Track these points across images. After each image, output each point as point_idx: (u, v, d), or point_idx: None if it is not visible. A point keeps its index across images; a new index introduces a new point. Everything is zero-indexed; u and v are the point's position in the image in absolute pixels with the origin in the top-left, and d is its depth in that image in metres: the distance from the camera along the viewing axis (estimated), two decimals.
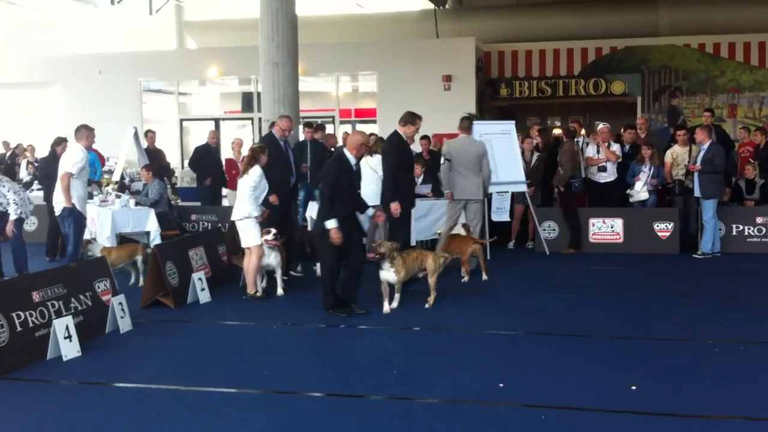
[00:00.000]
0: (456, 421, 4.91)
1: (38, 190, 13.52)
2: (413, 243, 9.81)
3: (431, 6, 21.51)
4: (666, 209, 11.90)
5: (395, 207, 8.80)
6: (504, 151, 11.42)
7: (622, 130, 13.16)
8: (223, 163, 14.41)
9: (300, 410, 5.18)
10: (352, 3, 24.98)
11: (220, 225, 12.25)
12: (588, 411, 5.04)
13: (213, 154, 14.16)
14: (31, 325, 6.30)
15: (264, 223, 8.67)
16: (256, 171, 8.50)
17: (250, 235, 8.53)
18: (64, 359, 6.31)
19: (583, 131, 13.42)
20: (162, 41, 24.25)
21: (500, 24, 21.46)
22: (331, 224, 7.47)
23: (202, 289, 8.59)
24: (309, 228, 10.88)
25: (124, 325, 7.29)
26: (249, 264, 8.59)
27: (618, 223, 11.68)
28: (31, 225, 12.67)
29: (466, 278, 9.49)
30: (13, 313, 6.16)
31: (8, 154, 18.07)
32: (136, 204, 11.05)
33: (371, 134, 11.15)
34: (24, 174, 16.59)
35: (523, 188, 11.68)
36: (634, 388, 5.43)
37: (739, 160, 13.11)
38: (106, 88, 20.20)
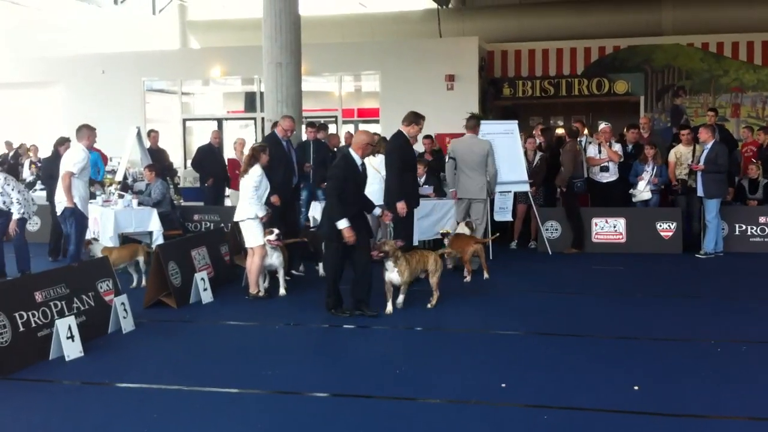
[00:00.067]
0: (458, 421, 4.91)
1: (41, 190, 13.55)
2: (416, 243, 9.82)
3: (434, 5, 21.49)
4: (669, 209, 11.89)
5: (401, 206, 8.80)
6: (507, 151, 11.41)
7: (625, 129, 13.15)
8: (226, 162, 14.43)
9: (302, 410, 5.19)
10: (355, 3, 24.96)
11: (222, 225, 12.25)
12: (589, 411, 5.04)
13: (216, 154, 14.18)
14: (33, 325, 6.32)
15: (267, 224, 8.68)
16: (256, 170, 8.50)
17: (253, 235, 8.53)
18: (67, 359, 6.32)
19: (585, 131, 13.41)
20: (165, 41, 24.27)
21: (503, 23, 21.44)
22: (342, 224, 7.46)
23: (205, 289, 8.60)
24: (311, 228, 10.91)
25: (127, 325, 7.30)
26: (252, 264, 8.60)
27: (621, 223, 11.67)
28: (33, 225, 12.70)
29: (468, 278, 9.50)
30: (16, 314, 6.17)
31: (11, 154, 18.10)
32: (139, 204, 11.07)
33: (374, 134, 11.15)
34: (27, 174, 16.62)
35: (526, 188, 11.69)
36: (636, 388, 5.43)
37: (742, 160, 13.10)
38: (109, 88, 20.22)
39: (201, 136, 19.41)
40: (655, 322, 7.46)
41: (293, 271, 9.89)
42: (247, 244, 8.62)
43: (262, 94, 16.81)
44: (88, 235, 9.68)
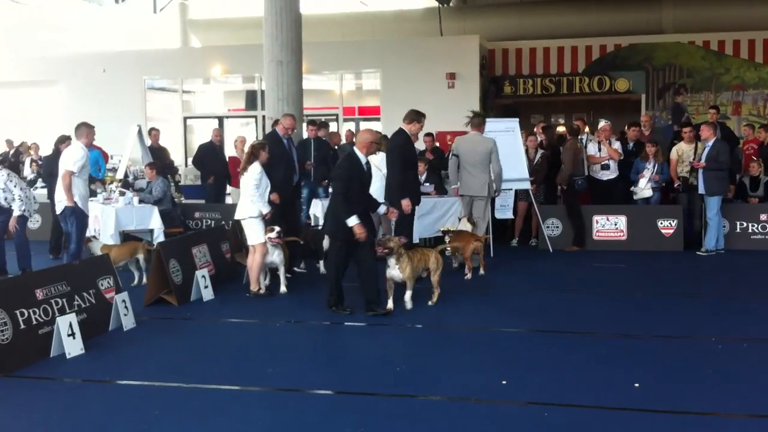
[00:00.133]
0: (459, 418, 4.91)
1: (42, 188, 13.55)
2: (416, 241, 9.82)
3: (435, 4, 21.48)
4: (670, 206, 11.89)
5: (407, 204, 8.80)
6: (508, 149, 11.38)
7: (626, 127, 13.16)
8: (227, 160, 14.44)
9: (303, 407, 5.19)
10: (356, 1, 24.92)
11: (223, 222, 12.27)
12: (590, 408, 5.04)
13: (217, 152, 14.19)
14: (34, 322, 6.32)
15: (268, 221, 8.68)
16: (255, 168, 8.49)
17: (254, 232, 8.53)
18: (68, 357, 6.32)
19: (586, 129, 13.41)
20: (166, 39, 24.27)
21: (504, 21, 21.43)
22: (353, 221, 7.45)
23: (206, 287, 8.60)
24: (312, 225, 10.92)
25: (128, 322, 7.31)
26: (253, 261, 8.60)
27: (622, 221, 11.66)
28: (34, 223, 12.71)
29: (468, 275, 9.50)
30: (17, 311, 6.18)
31: (12, 152, 18.11)
32: (140, 202, 11.08)
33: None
34: (28, 172, 16.63)
35: (527, 185, 11.68)
36: (637, 385, 5.43)
37: (744, 157, 13.11)
38: (110, 87, 20.23)
39: (202, 134, 19.43)
40: (656, 320, 7.45)
41: (295, 269, 9.90)
42: (249, 242, 8.63)
43: (263, 92, 16.83)
44: (88, 233, 9.68)
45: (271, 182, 8.76)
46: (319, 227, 10.23)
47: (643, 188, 11.72)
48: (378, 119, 19.67)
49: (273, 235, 8.54)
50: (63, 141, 11.21)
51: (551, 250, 11.54)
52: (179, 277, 8.36)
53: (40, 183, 14.66)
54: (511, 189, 11.59)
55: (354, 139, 14.60)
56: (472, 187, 10.14)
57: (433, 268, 8.04)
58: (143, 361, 6.36)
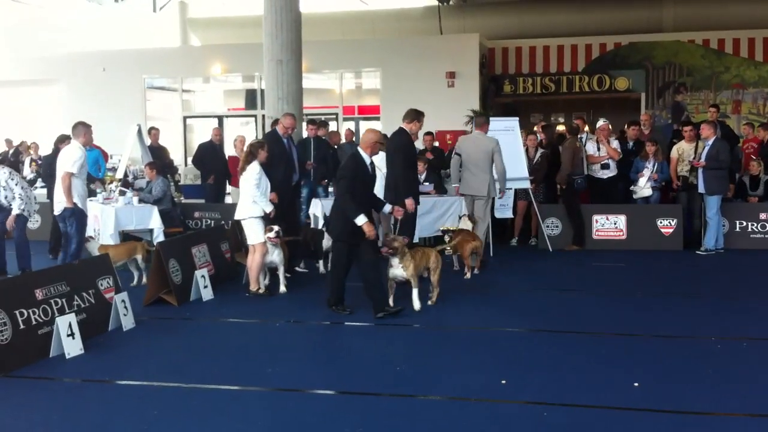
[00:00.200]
0: (459, 418, 4.91)
1: (42, 187, 13.54)
2: (416, 240, 9.82)
3: (435, 2, 21.48)
4: (669, 205, 11.89)
5: (410, 203, 8.80)
6: (507, 148, 11.34)
7: (625, 126, 13.15)
8: (227, 160, 14.43)
9: (303, 407, 5.19)
10: (356, 0, 24.94)
11: (223, 222, 12.26)
12: (590, 408, 5.04)
13: (217, 151, 14.17)
14: (34, 323, 6.31)
15: (268, 221, 8.67)
16: (254, 167, 8.47)
17: (254, 232, 8.53)
18: (67, 357, 6.32)
19: (586, 128, 13.40)
20: (165, 38, 24.26)
21: (504, 20, 21.43)
22: (361, 220, 7.43)
23: (205, 287, 8.60)
24: (312, 225, 10.91)
25: (127, 322, 7.30)
26: (252, 261, 8.60)
27: (621, 220, 11.66)
28: (34, 223, 12.69)
29: (468, 275, 9.50)
30: (16, 311, 6.17)
31: (11, 152, 18.10)
32: (140, 201, 11.07)
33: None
34: (27, 171, 16.62)
35: (526, 185, 11.68)
36: (637, 385, 5.43)
37: (743, 156, 13.10)
38: (110, 86, 20.24)
39: (202, 133, 19.44)
40: (656, 319, 7.45)
41: (296, 268, 9.90)
42: (248, 242, 8.62)
43: (262, 91, 16.83)
44: (87, 233, 9.67)
45: (271, 182, 8.75)
46: (319, 227, 10.24)
47: (643, 187, 11.71)
48: (378, 118, 19.68)
49: (272, 234, 8.53)
50: (63, 140, 11.17)
51: (551, 250, 11.54)
52: (179, 277, 8.36)
53: (39, 183, 14.64)
54: (511, 188, 11.58)
55: (354, 139, 14.64)
56: (472, 186, 10.15)
57: (434, 267, 8.04)
58: (143, 361, 6.36)
